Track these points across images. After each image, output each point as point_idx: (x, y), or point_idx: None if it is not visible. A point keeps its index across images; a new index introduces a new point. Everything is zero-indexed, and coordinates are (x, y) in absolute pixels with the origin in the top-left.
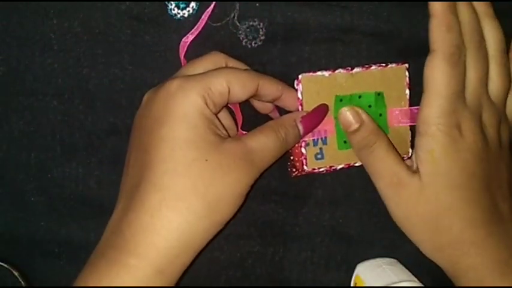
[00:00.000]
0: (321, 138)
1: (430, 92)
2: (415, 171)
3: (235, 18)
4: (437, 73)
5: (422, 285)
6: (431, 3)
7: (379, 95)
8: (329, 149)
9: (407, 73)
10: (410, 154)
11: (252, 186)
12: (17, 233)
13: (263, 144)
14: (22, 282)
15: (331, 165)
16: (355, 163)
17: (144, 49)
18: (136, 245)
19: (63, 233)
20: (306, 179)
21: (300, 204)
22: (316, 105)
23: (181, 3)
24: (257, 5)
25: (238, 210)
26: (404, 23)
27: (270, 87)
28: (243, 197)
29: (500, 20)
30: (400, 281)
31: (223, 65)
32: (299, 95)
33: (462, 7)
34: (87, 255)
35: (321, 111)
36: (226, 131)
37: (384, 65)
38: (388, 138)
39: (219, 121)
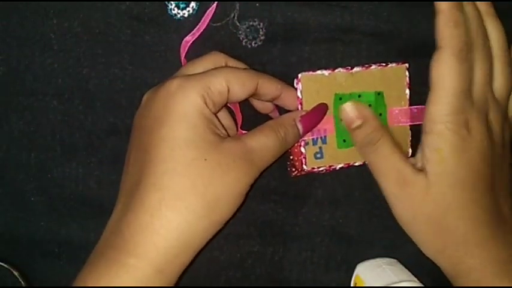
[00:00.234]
0: (321, 138)
1: (437, 89)
2: (421, 170)
3: (235, 18)
4: (446, 69)
5: (422, 285)
6: (437, 2)
7: (379, 94)
8: (328, 148)
9: (407, 73)
10: (410, 154)
11: (252, 186)
12: (17, 233)
13: (262, 143)
14: (22, 282)
15: (330, 164)
16: (355, 162)
17: (144, 49)
18: (136, 244)
19: (63, 233)
20: (305, 179)
21: (299, 204)
22: (315, 104)
23: (181, 3)
24: (257, 5)
25: (238, 210)
26: (404, 23)
27: (269, 86)
28: (242, 197)
29: (500, 20)
30: (400, 281)
31: (223, 65)
32: (299, 94)
33: (466, 6)
34: (87, 255)
35: (320, 110)
36: (226, 130)
37: (384, 64)
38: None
39: (219, 121)
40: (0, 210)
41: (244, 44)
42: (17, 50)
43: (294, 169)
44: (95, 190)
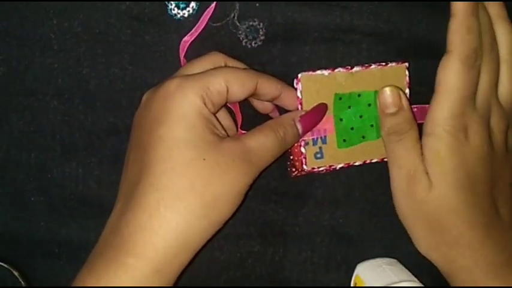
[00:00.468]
0: (321, 138)
1: (441, 93)
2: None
3: (235, 18)
4: (451, 75)
5: (422, 285)
6: (454, 2)
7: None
8: (329, 148)
9: (407, 72)
10: None
11: (251, 186)
12: (17, 233)
13: (262, 143)
14: (22, 282)
15: (330, 164)
16: (355, 162)
17: (144, 49)
18: (134, 244)
19: (63, 233)
20: (305, 179)
21: (300, 204)
22: (315, 104)
23: (181, 3)
24: (257, 5)
25: (237, 210)
26: (405, 23)
27: (268, 86)
28: (241, 197)
29: None
30: (400, 281)
31: (223, 65)
32: (298, 94)
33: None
34: (87, 255)
35: (320, 110)
36: (225, 131)
37: (383, 64)
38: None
39: (218, 121)
40: (0, 210)
41: (244, 44)
42: (17, 50)
43: (294, 169)
44: (95, 190)
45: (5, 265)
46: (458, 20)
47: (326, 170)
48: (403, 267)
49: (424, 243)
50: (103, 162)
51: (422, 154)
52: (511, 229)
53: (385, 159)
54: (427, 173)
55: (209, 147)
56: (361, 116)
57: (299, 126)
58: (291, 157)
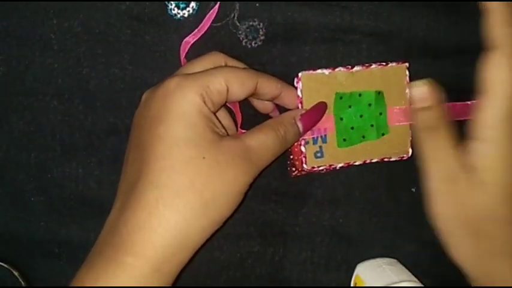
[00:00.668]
0: (321, 137)
1: (490, 94)
2: (470, 171)
3: (235, 18)
4: (500, 72)
5: (422, 285)
6: None
7: (379, 93)
8: (329, 147)
9: (407, 72)
10: (410, 153)
11: (251, 185)
12: (17, 233)
13: (262, 142)
14: (22, 282)
15: (331, 163)
16: (355, 162)
17: (144, 49)
18: (133, 243)
19: (63, 233)
20: (306, 179)
21: (300, 204)
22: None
23: (181, 3)
24: (257, 5)
25: (237, 209)
26: (404, 23)
27: (268, 86)
28: (241, 195)
29: None
30: (400, 281)
31: (223, 65)
32: (299, 93)
33: None
34: (87, 255)
35: (320, 108)
36: (226, 130)
37: (384, 64)
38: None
39: (218, 120)
40: (0, 210)
41: (244, 44)
42: (17, 50)
43: (294, 168)
44: (95, 190)
45: (5, 265)
46: (497, 14)
47: (326, 169)
48: (403, 267)
49: (462, 251)
50: (103, 162)
51: (458, 152)
52: None
53: (385, 159)
54: (468, 173)
55: (209, 145)
56: (361, 116)
57: (300, 125)
58: (291, 156)
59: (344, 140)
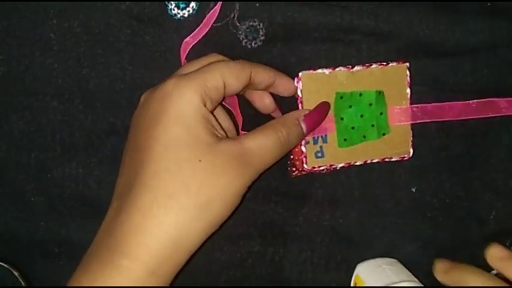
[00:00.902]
0: (321, 137)
1: None
2: None
3: (235, 18)
4: None
5: (422, 285)
6: None
7: (379, 93)
8: (329, 147)
9: (408, 72)
10: (411, 153)
11: (250, 187)
12: (17, 233)
13: (262, 144)
14: (22, 282)
15: (331, 163)
16: (355, 162)
17: (144, 49)
18: (129, 246)
19: (63, 233)
20: (306, 179)
21: (300, 204)
22: (316, 103)
23: (181, 3)
24: (257, 5)
25: (236, 210)
26: (404, 23)
27: (262, 75)
28: (238, 198)
29: (500, 20)
30: (401, 281)
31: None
32: (299, 93)
33: None
34: None
35: (324, 108)
36: (225, 132)
37: (384, 63)
38: None
39: (216, 120)
40: (0, 210)
41: (244, 44)
42: (17, 50)
43: (294, 169)
44: (95, 190)
45: (5, 265)
46: None
47: (326, 169)
48: (403, 267)
49: None
50: (103, 162)
51: None
52: None
53: (386, 159)
54: None
55: (205, 148)
56: (362, 116)
57: (303, 126)
58: (292, 156)
59: (345, 140)
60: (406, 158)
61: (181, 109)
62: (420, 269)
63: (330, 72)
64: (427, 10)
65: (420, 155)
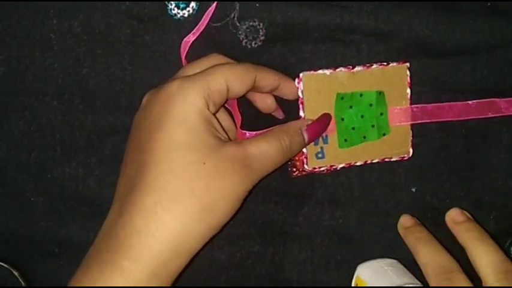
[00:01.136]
0: (322, 137)
1: None
2: None
3: (235, 18)
4: None
5: (423, 286)
6: None
7: (380, 93)
8: (330, 148)
9: (408, 72)
10: (410, 154)
11: (251, 191)
12: (17, 233)
13: (264, 150)
14: (22, 282)
15: (331, 164)
16: (356, 162)
17: (144, 49)
18: (130, 247)
19: (63, 233)
20: (306, 180)
21: (300, 204)
22: (317, 104)
23: (181, 3)
24: (257, 5)
25: (235, 214)
26: (404, 23)
27: (267, 78)
28: (239, 202)
29: (500, 20)
30: (403, 284)
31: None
32: (300, 94)
33: None
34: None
35: (326, 120)
36: (226, 133)
37: (385, 64)
38: None
39: (219, 123)
40: (0, 210)
41: (244, 44)
42: (17, 50)
43: (294, 169)
44: (95, 190)
45: (5, 265)
46: None
47: (327, 170)
48: (404, 269)
49: None
50: (103, 162)
51: None
52: None
53: (386, 159)
54: None
55: (209, 151)
56: (362, 116)
57: (305, 135)
58: (292, 157)
59: (345, 140)
60: (406, 158)
61: (185, 112)
62: (420, 269)
63: (330, 73)
64: (427, 10)
65: (420, 155)
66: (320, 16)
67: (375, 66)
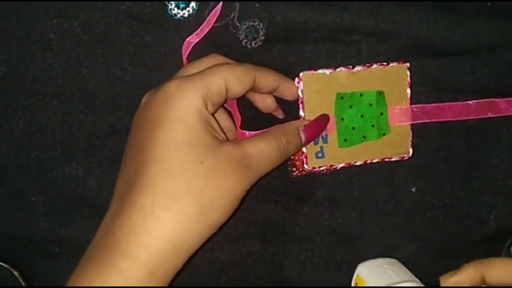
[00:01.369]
0: (322, 137)
1: None
2: None
3: (235, 18)
4: None
5: (423, 285)
6: None
7: (380, 93)
8: (330, 148)
9: (408, 72)
10: (410, 153)
11: (248, 191)
12: (17, 233)
13: (262, 150)
14: (22, 282)
15: (331, 164)
16: (356, 162)
17: (144, 49)
18: (128, 246)
19: (63, 233)
20: (306, 179)
21: (300, 204)
22: (317, 104)
23: (181, 3)
24: (257, 5)
25: (234, 213)
26: (404, 23)
27: (267, 79)
28: (237, 202)
29: (500, 20)
30: (402, 281)
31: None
32: (300, 93)
33: None
34: None
35: (323, 120)
36: (225, 133)
37: (385, 63)
38: None
39: (217, 123)
40: (0, 210)
41: (244, 44)
42: (17, 50)
43: (294, 169)
44: (95, 190)
45: (5, 265)
46: None
47: (327, 169)
48: (404, 267)
49: None
50: (103, 162)
51: None
52: None
53: (386, 159)
54: None
55: (207, 150)
56: (362, 116)
57: (302, 136)
58: (292, 157)
59: (345, 140)
60: (406, 158)
61: (184, 111)
62: (420, 269)
63: (330, 73)
64: (427, 10)
65: (420, 155)
66: (320, 16)
67: (375, 66)
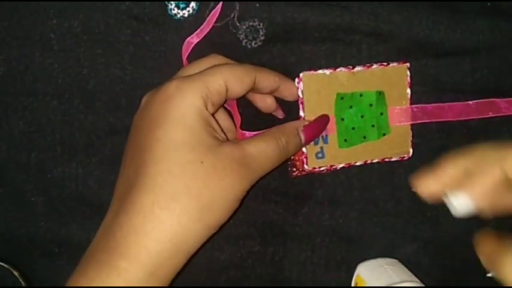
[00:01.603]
0: (322, 137)
1: None
2: None
3: (235, 18)
4: None
5: (423, 285)
6: None
7: (380, 94)
8: (330, 148)
9: (408, 72)
10: (410, 153)
11: (249, 191)
12: (17, 233)
13: (262, 150)
14: (22, 282)
15: (331, 164)
16: (356, 162)
17: (144, 49)
18: (127, 247)
19: (63, 233)
20: (306, 179)
21: (300, 204)
22: (317, 104)
23: (181, 3)
24: (257, 5)
25: (234, 213)
26: (404, 23)
27: (267, 80)
28: (237, 202)
29: (500, 20)
30: (402, 281)
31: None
32: (300, 94)
33: None
34: None
35: (323, 121)
36: (225, 133)
37: (385, 64)
38: None
39: (217, 123)
40: (0, 210)
41: (244, 44)
42: (17, 50)
43: (294, 169)
44: (95, 190)
45: (5, 265)
46: None
47: (327, 169)
48: (404, 267)
49: None
50: (103, 162)
51: None
52: None
53: (386, 159)
54: None
55: (207, 150)
56: (362, 116)
57: (302, 136)
58: (292, 157)
59: (345, 140)
60: (406, 158)
61: (183, 112)
62: (420, 269)
63: (330, 73)
64: (427, 10)
65: (420, 155)
66: (320, 16)
67: (375, 66)
